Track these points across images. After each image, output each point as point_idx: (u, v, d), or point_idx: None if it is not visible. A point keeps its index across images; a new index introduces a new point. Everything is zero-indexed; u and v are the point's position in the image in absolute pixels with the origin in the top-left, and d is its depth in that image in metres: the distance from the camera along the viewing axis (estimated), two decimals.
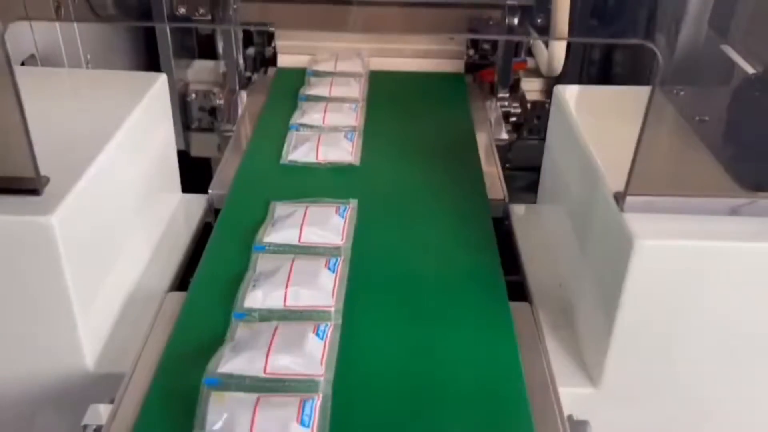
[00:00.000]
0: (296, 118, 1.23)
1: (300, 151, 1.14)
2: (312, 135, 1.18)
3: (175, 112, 1.20)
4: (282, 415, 0.67)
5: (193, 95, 1.43)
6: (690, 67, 1.02)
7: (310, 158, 1.13)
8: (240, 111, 1.41)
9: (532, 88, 1.48)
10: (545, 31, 1.36)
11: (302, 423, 0.66)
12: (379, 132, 1.22)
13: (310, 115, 1.23)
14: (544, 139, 1.38)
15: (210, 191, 1.10)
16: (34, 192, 0.73)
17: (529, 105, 1.43)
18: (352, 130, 1.20)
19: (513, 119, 1.43)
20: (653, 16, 1.17)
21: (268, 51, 1.53)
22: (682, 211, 0.75)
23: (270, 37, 1.52)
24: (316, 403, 0.69)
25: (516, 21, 1.37)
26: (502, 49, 1.42)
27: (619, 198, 0.74)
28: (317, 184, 1.07)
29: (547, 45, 1.33)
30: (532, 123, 1.43)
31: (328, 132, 1.19)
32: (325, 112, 1.24)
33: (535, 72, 1.47)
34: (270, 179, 1.09)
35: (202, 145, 1.46)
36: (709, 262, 0.72)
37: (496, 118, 1.41)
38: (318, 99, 1.30)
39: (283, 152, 1.14)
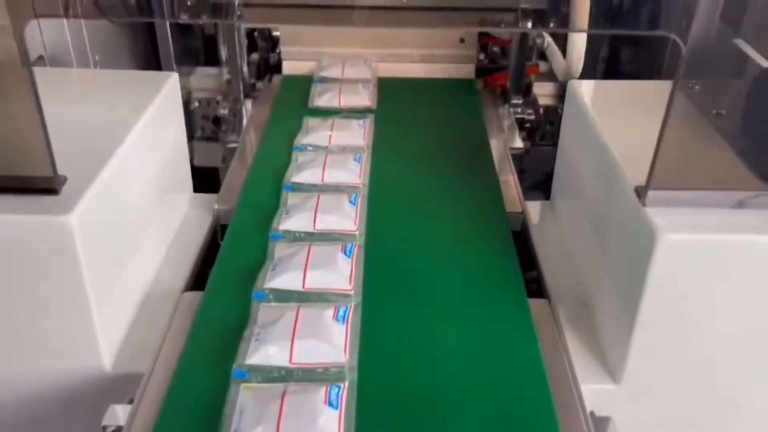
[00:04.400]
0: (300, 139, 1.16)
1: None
2: (318, 156, 1.10)
3: None
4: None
5: (196, 103, 1.39)
6: (705, 60, 1.02)
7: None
8: (245, 121, 1.36)
9: (544, 92, 1.44)
10: (559, 36, 1.34)
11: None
12: (389, 139, 1.19)
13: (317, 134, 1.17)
14: (556, 145, 1.35)
15: (216, 206, 1.06)
16: (53, 191, 0.73)
17: (541, 110, 1.40)
18: (360, 151, 1.12)
19: (527, 125, 1.39)
20: (670, 8, 1.17)
21: (273, 57, 1.48)
22: (704, 205, 0.74)
23: (275, 43, 1.48)
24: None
25: (529, 24, 1.35)
26: (515, 54, 1.38)
27: (641, 192, 0.74)
28: None
29: (563, 46, 1.31)
30: (544, 128, 1.41)
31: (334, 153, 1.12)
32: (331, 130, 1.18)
33: (547, 76, 1.44)
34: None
35: (205, 155, 1.40)
36: (732, 256, 0.72)
37: (510, 126, 1.37)
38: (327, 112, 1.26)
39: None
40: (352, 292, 0.82)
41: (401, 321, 0.81)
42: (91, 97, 0.97)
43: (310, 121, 1.20)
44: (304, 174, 1.04)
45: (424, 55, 1.47)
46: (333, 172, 1.03)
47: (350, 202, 0.97)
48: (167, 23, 1.29)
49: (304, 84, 1.36)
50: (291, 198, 0.99)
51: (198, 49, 1.50)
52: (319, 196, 0.97)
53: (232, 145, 1.29)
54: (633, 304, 0.75)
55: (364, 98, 1.29)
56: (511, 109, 1.40)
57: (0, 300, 0.75)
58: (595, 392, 0.78)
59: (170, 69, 1.33)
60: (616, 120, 0.92)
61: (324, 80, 1.36)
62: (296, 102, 1.30)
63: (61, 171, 0.74)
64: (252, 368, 0.72)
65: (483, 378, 0.74)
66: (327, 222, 0.93)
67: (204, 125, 1.40)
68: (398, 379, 0.74)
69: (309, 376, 0.71)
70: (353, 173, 1.04)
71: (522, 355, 0.78)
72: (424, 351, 0.77)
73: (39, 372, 0.80)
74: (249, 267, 0.87)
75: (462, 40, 1.47)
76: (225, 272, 0.89)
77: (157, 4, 1.25)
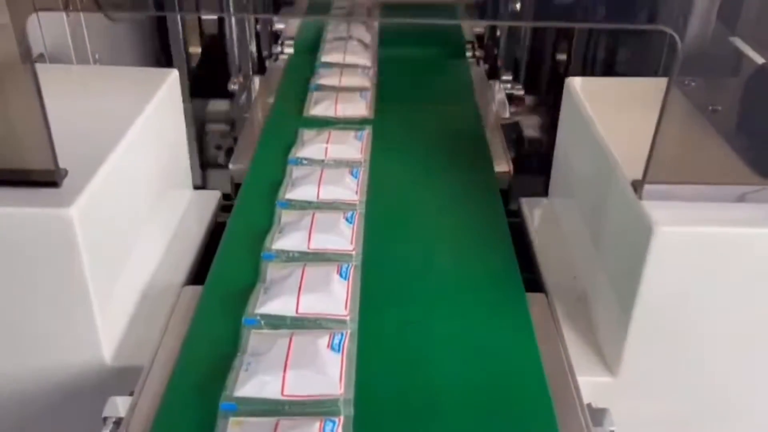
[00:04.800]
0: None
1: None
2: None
3: (192, 150, 1.21)
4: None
5: (209, 134, 1.45)
6: (701, 57, 1.03)
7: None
8: (253, 96, 1.44)
9: (530, 123, 1.46)
10: None
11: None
12: (388, 151, 1.16)
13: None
14: (542, 175, 1.31)
15: (231, 166, 1.14)
16: (54, 184, 0.73)
17: (527, 143, 1.42)
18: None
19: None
20: (667, 4, 1.18)
21: (275, 48, 1.55)
22: (699, 199, 0.75)
23: (276, 37, 1.56)
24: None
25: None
26: (505, 33, 1.45)
27: (638, 186, 0.75)
28: None
29: None
30: (531, 160, 1.40)
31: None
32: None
33: (533, 109, 1.48)
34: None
35: (217, 183, 1.37)
36: (728, 249, 0.72)
37: (500, 100, 1.42)
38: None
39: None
40: (347, 318, 0.78)
41: (398, 344, 0.78)
42: (91, 93, 0.98)
43: (306, 133, 1.15)
44: (298, 190, 0.99)
45: None
46: (329, 188, 0.99)
47: (346, 220, 0.92)
48: (179, 19, 1.31)
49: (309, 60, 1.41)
50: (285, 215, 0.94)
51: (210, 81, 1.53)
52: (314, 214, 0.93)
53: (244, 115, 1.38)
54: (629, 298, 0.75)
55: (361, 108, 1.25)
56: (502, 86, 1.46)
57: (0, 293, 0.76)
58: (592, 384, 0.78)
59: (182, 65, 1.34)
60: (614, 116, 0.93)
61: (320, 88, 1.33)
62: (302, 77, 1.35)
63: (61, 164, 0.75)
64: (241, 401, 0.68)
65: (481, 371, 0.75)
66: (322, 241, 0.88)
67: (217, 155, 1.45)
68: (397, 374, 0.74)
69: (302, 409, 0.68)
70: (350, 189, 1.00)
71: (520, 348, 0.78)
72: (420, 344, 0.78)
73: (39, 364, 0.81)
74: (241, 287, 0.83)
75: None
76: (216, 291, 0.85)
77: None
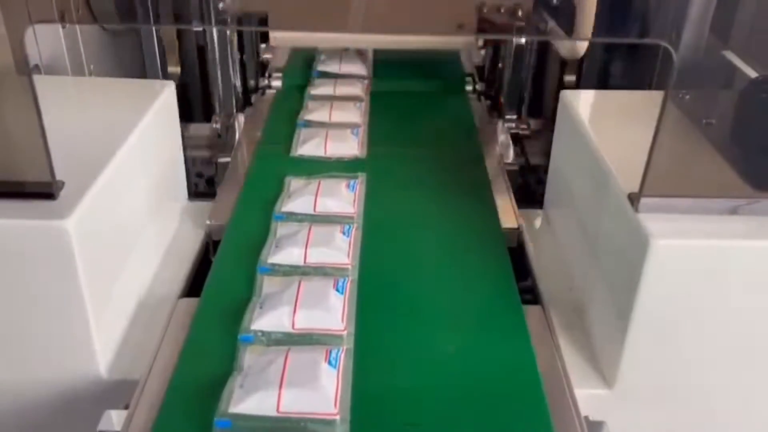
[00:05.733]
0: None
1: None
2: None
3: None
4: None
5: (190, 162, 1.30)
6: (695, 71, 1.04)
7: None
8: (237, 136, 1.31)
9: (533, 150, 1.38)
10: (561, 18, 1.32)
11: None
12: (382, 200, 1.05)
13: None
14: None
15: (208, 222, 1.02)
16: (50, 196, 0.73)
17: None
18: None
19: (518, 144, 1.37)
20: (661, 20, 1.19)
21: (262, 82, 1.45)
22: (696, 212, 0.75)
23: (264, 68, 1.47)
24: None
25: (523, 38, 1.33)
26: (510, 66, 1.36)
27: (634, 199, 0.75)
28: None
29: (567, 31, 1.27)
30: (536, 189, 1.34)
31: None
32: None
33: (535, 135, 1.41)
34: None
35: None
36: (724, 262, 0.73)
37: (504, 141, 1.33)
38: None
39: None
40: (337, 417, 0.67)
41: (396, 360, 0.76)
42: (88, 104, 0.98)
43: (293, 183, 1.03)
44: (283, 253, 0.87)
45: (422, 41, 1.47)
46: (317, 249, 0.87)
47: (337, 290, 0.81)
48: (154, 31, 1.29)
49: (298, 94, 1.35)
50: (267, 283, 0.83)
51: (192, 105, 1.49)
52: (300, 283, 0.81)
53: (224, 160, 1.24)
54: (626, 310, 0.76)
55: (352, 146, 1.16)
56: (506, 125, 1.37)
57: None
58: (589, 397, 0.78)
59: (156, 77, 1.31)
60: (609, 129, 0.94)
61: (309, 124, 1.22)
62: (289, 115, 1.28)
63: (58, 176, 0.75)
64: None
65: (479, 385, 0.74)
66: (308, 320, 0.77)
67: (197, 182, 1.35)
68: (396, 387, 0.73)
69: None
70: (341, 251, 0.88)
71: (517, 362, 0.78)
72: (419, 357, 0.78)
73: (35, 377, 0.80)
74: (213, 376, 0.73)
75: (461, 25, 1.42)
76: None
77: (143, 11, 1.26)
